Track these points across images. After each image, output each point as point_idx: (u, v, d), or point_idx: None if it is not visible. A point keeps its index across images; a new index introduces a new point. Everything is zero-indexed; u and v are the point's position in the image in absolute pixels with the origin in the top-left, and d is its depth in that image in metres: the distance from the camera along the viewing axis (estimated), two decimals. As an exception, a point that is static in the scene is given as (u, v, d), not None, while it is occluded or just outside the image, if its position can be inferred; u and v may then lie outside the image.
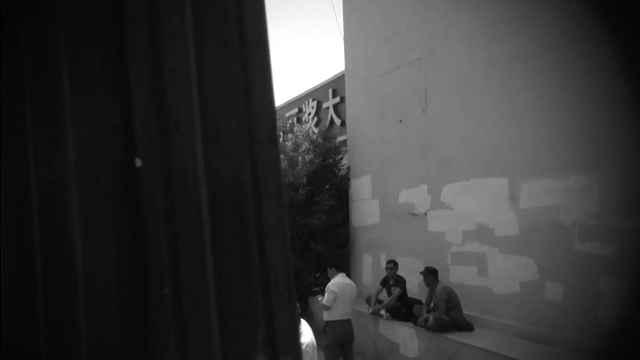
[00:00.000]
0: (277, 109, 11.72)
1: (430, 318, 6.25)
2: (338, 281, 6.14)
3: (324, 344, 6.08)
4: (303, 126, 10.41)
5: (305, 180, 9.19)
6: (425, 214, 7.49)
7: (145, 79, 0.54)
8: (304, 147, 9.62)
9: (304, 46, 41.71)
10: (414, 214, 7.72)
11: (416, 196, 7.70)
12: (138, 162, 0.53)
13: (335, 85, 10.48)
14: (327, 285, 6.22)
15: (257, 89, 0.60)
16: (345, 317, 6.07)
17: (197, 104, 0.56)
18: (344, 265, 7.30)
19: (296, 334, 0.61)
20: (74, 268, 0.52)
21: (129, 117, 0.53)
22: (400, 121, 8.07)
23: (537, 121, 5.74)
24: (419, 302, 6.98)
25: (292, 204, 9.13)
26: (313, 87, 11.44)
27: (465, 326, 6.20)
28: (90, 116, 0.53)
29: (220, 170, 0.57)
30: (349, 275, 7.21)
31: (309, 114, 11.49)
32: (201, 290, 0.54)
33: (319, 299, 6.28)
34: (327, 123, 10.61)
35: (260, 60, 0.61)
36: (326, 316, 6.09)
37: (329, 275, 6.42)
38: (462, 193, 6.84)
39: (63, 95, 0.53)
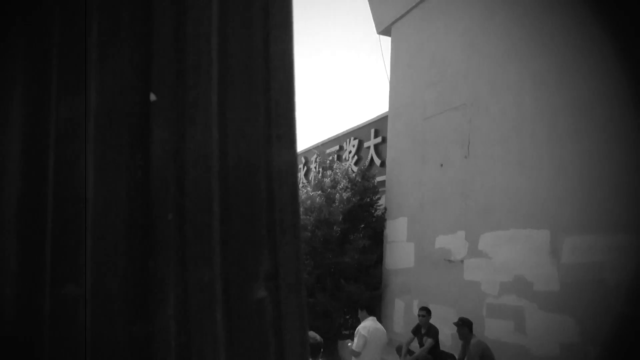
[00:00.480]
0: (319, 145, 11.83)
1: (463, 374, 6.00)
2: (368, 325, 5.98)
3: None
4: (343, 164, 10.45)
5: (340, 217, 9.15)
6: (462, 261, 7.30)
7: (168, 31, 0.57)
8: (342, 185, 9.62)
9: (349, 84, 42.26)
10: (450, 261, 7.54)
11: (453, 242, 7.53)
12: (152, 97, 0.56)
13: (378, 126, 10.52)
14: (357, 329, 6.07)
15: (278, 86, 0.62)
16: (374, 365, 5.90)
17: (216, 53, 0.59)
18: (375, 308, 7.14)
19: (300, 272, 0.62)
20: (83, 199, 0.55)
21: (149, 69, 0.57)
22: (441, 165, 7.98)
23: (584, 175, 5.57)
24: (452, 357, 6.72)
25: (326, 240, 9.09)
26: (355, 126, 11.51)
27: (499, 385, 5.92)
28: (113, 64, 0.57)
29: (233, 118, 0.59)
30: (379, 320, 7.04)
31: (350, 152, 11.53)
32: (205, 220, 0.56)
33: (349, 344, 6.12)
34: (367, 162, 10.60)
35: (282, 56, 0.63)
36: (355, 363, 5.93)
37: (359, 316, 6.28)
38: (501, 243, 6.65)
39: (92, 43, 0.56)
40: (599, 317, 5.21)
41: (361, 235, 9.22)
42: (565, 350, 5.56)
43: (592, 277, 5.35)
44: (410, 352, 7.13)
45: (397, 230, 9.03)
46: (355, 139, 11.38)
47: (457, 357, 6.53)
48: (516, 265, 6.37)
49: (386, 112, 9.92)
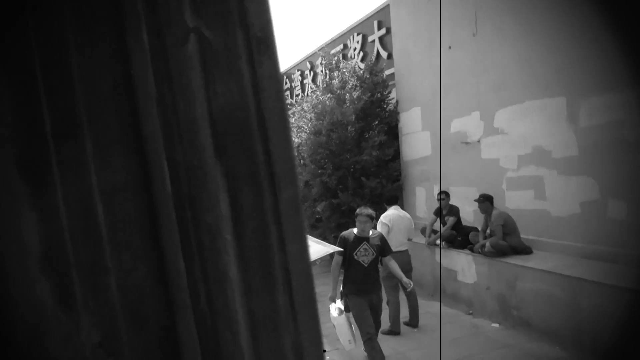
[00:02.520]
0: (323, 46, 11.54)
1: (487, 244, 6.23)
2: (390, 214, 6.17)
3: (381, 275, 6.21)
4: (349, 62, 10.24)
5: (353, 117, 9.14)
6: (479, 141, 7.32)
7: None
8: (350, 84, 9.51)
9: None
10: (467, 143, 7.56)
11: (468, 124, 7.51)
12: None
13: (381, 17, 10.15)
14: (380, 219, 6.27)
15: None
16: (402, 248, 6.13)
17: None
18: (397, 198, 7.29)
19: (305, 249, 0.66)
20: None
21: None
22: (450, 47, 7.78)
23: (596, 36, 5.38)
24: (475, 229, 6.95)
25: (342, 142, 9.14)
26: (357, 21, 11.12)
27: (523, 250, 6.16)
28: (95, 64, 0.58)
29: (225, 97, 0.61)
30: (402, 208, 7.23)
31: (355, 49, 11.25)
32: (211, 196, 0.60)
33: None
34: (373, 57, 10.37)
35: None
36: (382, 248, 6.18)
37: (385, 208, 6.46)
38: (516, 117, 6.61)
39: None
40: (620, 173, 5.27)
41: (376, 131, 9.24)
42: (585, 207, 5.69)
43: (611, 136, 5.35)
44: (434, 231, 7.40)
45: (411, 121, 9.01)
46: (358, 34, 11.05)
47: (480, 229, 6.76)
48: (533, 136, 6.37)
49: (387, 1, 9.54)
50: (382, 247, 4.99)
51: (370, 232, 4.91)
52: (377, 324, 5.03)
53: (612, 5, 5.19)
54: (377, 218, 6.20)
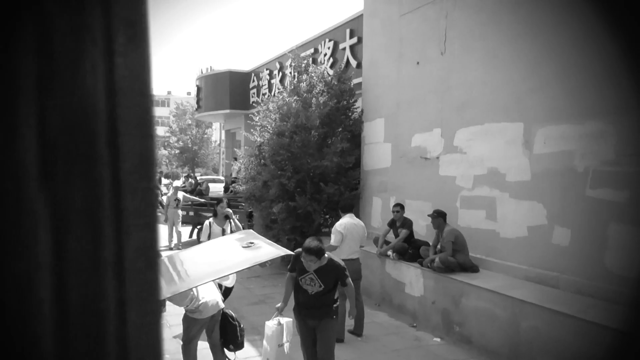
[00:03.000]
0: (294, 48, 11.53)
1: (437, 259, 6.35)
2: (345, 222, 6.20)
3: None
4: (318, 67, 10.27)
5: (318, 122, 9.16)
6: (438, 158, 7.47)
7: None
8: (318, 89, 9.53)
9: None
10: (426, 158, 7.70)
11: (429, 140, 7.65)
12: None
13: (353, 26, 10.25)
14: (334, 226, 6.31)
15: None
16: (354, 257, 6.17)
17: None
18: (354, 207, 7.34)
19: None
20: None
21: None
22: (418, 63, 7.91)
23: (559, 66, 5.59)
24: (426, 244, 7.08)
25: (304, 145, 9.15)
26: (330, 27, 11.19)
27: (471, 268, 6.31)
28: None
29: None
30: (358, 217, 7.28)
31: (325, 54, 11.30)
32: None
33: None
34: (342, 64, 10.44)
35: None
36: (335, 255, 6.19)
37: (340, 216, 6.48)
38: (476, 137, 6.78)
39: None
40: (566, 201, 5.48)
41: (339, 138, 9.29)
42: (532, 232, 5.89)
43: (562, 165, 5.56)
44: (386, 242, 7.50)
45: (374, 132, 9.10)
46: (330, 40, 11.10)
47: (431, 244, 6.88)
48: (490, 158, 6.55)
49: (361, 10, 9.62)
50: (336, 279, 4.33)
51: (325, 261, 4.21)
52: (326, 351, 4.43)
53: (575, 36, 5.40)
54: (331, 225, 6.25)
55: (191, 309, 4.31)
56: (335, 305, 4.39)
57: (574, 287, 5.33)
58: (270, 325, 4.35)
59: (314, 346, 4.41)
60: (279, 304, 4.56)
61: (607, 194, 5.04)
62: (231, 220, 6.58)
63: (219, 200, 6.86)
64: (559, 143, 5.60)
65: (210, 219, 6.63)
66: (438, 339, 6.16)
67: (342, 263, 4.41)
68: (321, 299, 4.30)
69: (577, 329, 4.58)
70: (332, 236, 6.18)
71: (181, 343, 4.58)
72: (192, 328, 4.46)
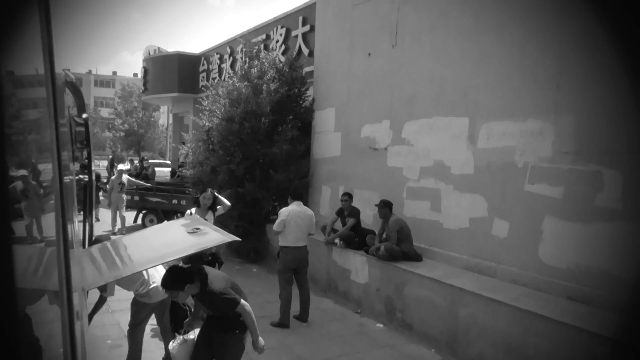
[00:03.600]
0: (245, 33, 11.37)
1: (382, 248, 6.49)
2: (290, 209, 6.22)
3: (277, 268, 6.27)
4: (270, 54, 10.18)
5: (268, 109, 9.10)
6: (386, 149, 7.61)
7: None
8: (269, 75, 9.46)
9: (276, -30, 39.78)
10: (375, 149, 7.82)
11: (378, 131, 7.78)
12: None
13: (306, 13, 10.21)
14: (279, 212, 6.34)
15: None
16: (300, 244, 6.21)
17: None
18: (302, 195, 7.37)
19: None
20: None
21: None
22: (369, 54, 8.00)
23: (504, 65, 5.80)
24: (372, 232, 7.22)
25: (255, 132, 9.08)
26: (283, 14, 11.11)
27: (414, 257, 6.50)
28: None
29: None
30: (306, 205, 7.33)
31: (277, 41, 11.21)
32: None
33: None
34: (295, 52, 10.40)
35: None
36: (281, 242, 6.22)
37: (289, 203, 6.49)
38: (423, 130, 6.95)
39: None
40: (506, 194, 5.73)
41: (289, 126, 9.28)
42: (473, 223, 6.13)
43: (503, 160, 5.79)
44: (334, 230, 7.60)
45: (324, 121, 9.15)
46: (282, 27, 11.03)
47: (377, 232, 7.03)
48: (436, 151, 6.73)
49: (315, -1, 9.60)
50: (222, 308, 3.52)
51: (198, 290, 3.46)
52: None
53: (520, 36, 5.61)
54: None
55: (141, 293, 4.26)
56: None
57: (510, 276, 5.60)
58: (174, 345, 3.79)
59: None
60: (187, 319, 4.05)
61: (544, 189, 5.31)
62: (216, 206, 6.06)
63: (202, 190, 6.15)
64: (501, 139, 5.82)
65: (192, 210, 5.86)
66: (381, 325, 6.32)
67: (222, 289, 3.47)
68: (219, 319, 3.63)
69: (511, 317, 4.82)
70: (276, 222, 6.21)
71: (127, 328, 4.51)
72: (141, 312, 4.40)
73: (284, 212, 6.19)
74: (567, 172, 5.09)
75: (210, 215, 5.93)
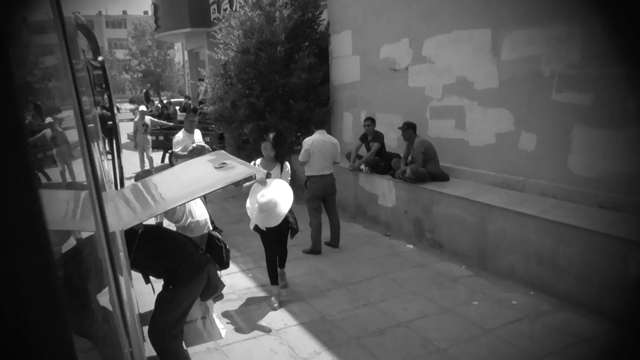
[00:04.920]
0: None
1: (408, 170, 6.48)
2: (314, 138, 6.19)
3: (305, 197, 6.34)
4: (280, -23, 9.76)
5: (283, 37, 8.87)
6: (406, 69, 7.39)
7: None
8: (281, 1, 9.13)
9: None
10: (395, 70, 7.62)
11: (397, 51, 7.53)
12: None
13: None
14: (303, 143, 6.33)
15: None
16: (326, 172, 6.22)
17: None
18: (324, 123, 7.30)
19: None
20: None
21: None
22: (383, -30, 7.59)
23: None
24: (397, 156, 7.19)
25: (271, 62, 8.91)
26: None
27: (441, 177, 6.47)
28: None
29: None
30: (329, 133, 7.29)
31: (287, -36, 10.70)
32: None
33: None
34: (305, -26, 9.94)
35: None
36: (307, 171, 6.25)
37: (312, 132, 6.45)
38: (443, 46, 6.70)
39: None
40: (533, 106, 5.56)
41: (306, 53, 9.05)
42: (499, 138, 6.02)
43: (529, 70, 5.57)
44: (359, 156, 7.59)
45: (341, 45, 8.89)
46: (291, -52, 10.47)
47: (402, 155, 6.99)
48: (459, 67, 6.51)
49: None
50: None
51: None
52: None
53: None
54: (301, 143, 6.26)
55: (183, 225, 4.42)
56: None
57: (539, 189, 5.55)
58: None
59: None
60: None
61: (572, 97, 5.12)
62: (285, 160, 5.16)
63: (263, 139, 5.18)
64: (526, 48, 5.58)
65: (258, 160, 5.03)
66: (411, 246, 6.44)
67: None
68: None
69: (541, 229, 4.82)
70: (301, 152, 6.22)
71: None
72: None
73: (307, 141, 6.18)
74: (597, 77, 4.88)
75: (277, 170, 5.00)
